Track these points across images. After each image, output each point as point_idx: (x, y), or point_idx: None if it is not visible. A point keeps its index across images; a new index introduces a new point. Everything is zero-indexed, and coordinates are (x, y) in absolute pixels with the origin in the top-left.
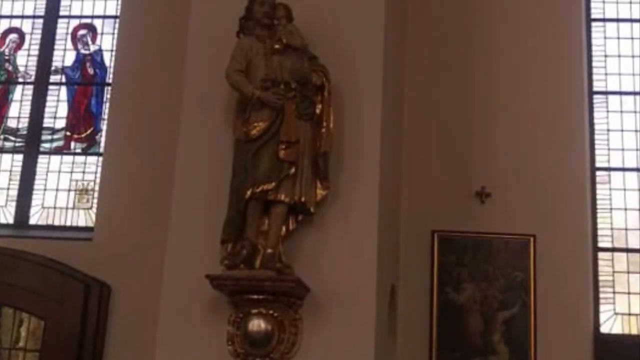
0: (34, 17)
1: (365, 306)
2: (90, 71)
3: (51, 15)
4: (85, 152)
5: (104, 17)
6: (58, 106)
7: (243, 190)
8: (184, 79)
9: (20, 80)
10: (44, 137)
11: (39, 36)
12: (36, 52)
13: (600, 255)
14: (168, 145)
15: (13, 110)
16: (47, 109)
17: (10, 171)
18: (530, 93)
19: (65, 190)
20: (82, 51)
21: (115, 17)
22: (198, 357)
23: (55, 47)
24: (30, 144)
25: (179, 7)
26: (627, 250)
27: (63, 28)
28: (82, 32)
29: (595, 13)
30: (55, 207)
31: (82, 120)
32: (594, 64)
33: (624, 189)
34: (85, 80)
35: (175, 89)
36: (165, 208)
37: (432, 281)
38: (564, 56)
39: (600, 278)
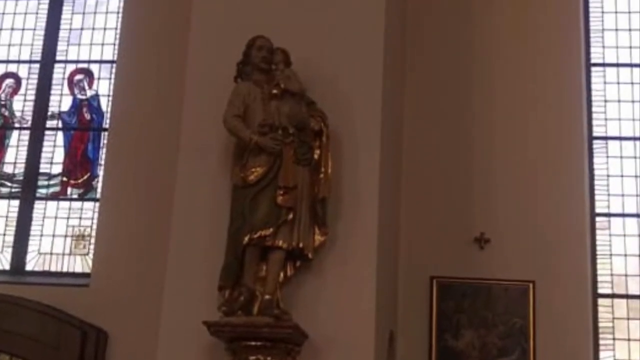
0: (31, 62)
1: (363, 353)
2: (87, 116)
3: (48, 60)
4: (81, 198)
5: (101, 62)
6: (54, 152)
7: (241, 236)
8: (182, 124)
9: (17, 125)
10: (40, 183)
11: (35, 81)
12: (32, 97)
13: (600, 301)
14: (165, 191)
15: (9, 155)
16: (43, 155)
17: (7, 217)
18: (529, 138)
19: (62, 236)
20: (79, 96)
21: (112, 62)
22: None
23: (52, 92)
24: (27, 190)
25: (176, 51)
26: (627, 296)
27: (60, 73)
28: (78, 77)
29: (594, 58)
30: (51, 253)
31: (79, 166)
32: (593, 109)
33: (624, 235)
34: (82, 126)
35: (173, 134)
36: (162, 254)
37: (431, 327)
38: (564, 101)
39: (600, 324)
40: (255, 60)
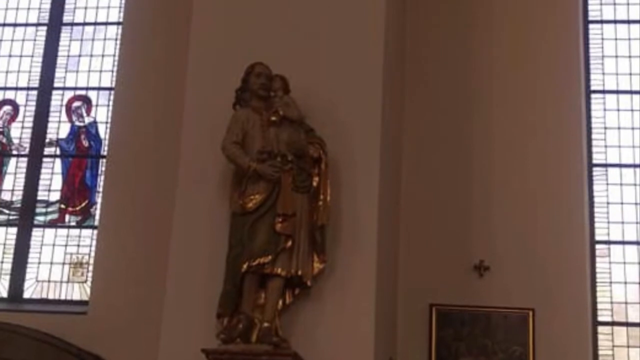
0: (28, 88)
1: None
2: (85, 143)
3: (45, 87)
4: (79, 225)
5: (99, 88)
6: (52, 179)
7: (239, 263)
8: (180, 151)
9: (15, 152)
10: (38, 210)
11: (33, 108)
12: (30, 124)
13: (600, 329)
14: (164, 218)
15: (7, 182)
16: (41, 182)
17: (4, 244)
18: (529, 165)
19: (60, 264)
20: (77, 123)
21: (110, 89)
22: None
23: (50, 119)
24: (25, 217)
25: (175, 78)
26: (627, 324)
27: (57, 100)
28: (76, 104)
29: (594, 85)
30: (49, 281)
31: (77, 193)
32: (593, 136)
33: (624, 263)
34: (80, 153)
35: (171, 161)
36: (160, 281)
37: (430, 355)
38: (564, 128)
39: (600, 352)
40: (253, 87)
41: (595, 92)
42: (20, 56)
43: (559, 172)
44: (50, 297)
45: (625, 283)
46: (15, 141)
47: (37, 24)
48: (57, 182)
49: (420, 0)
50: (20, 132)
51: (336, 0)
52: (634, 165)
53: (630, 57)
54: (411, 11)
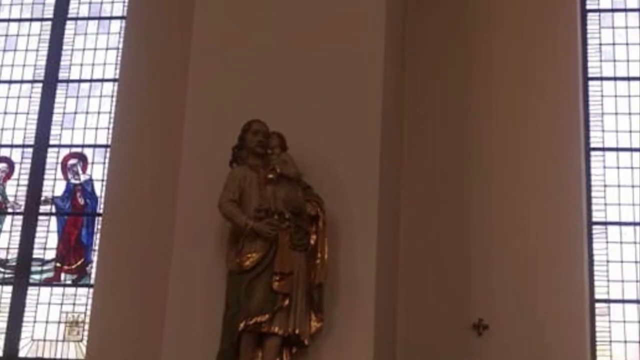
0: (24, 146)
1: None
2: (81, 201)
3: (41, 144)
4: (75, 284)
5: (95, 146)
6: (48, 237)
7: (236, 322)
8: (176, 209)
9: (10, 210)
10: (33, 269)
11: (28, 166)
12: (26, 182)
13: None
14: (160, 277)
15: (2, 241)
16: (36, 240)
17: (0, 303)
18: (528, 222)
19: (56, 322)
20: (73, 181)
21: (106, 146)
22: None
23: (45, 176)
24: (20, 275)
25: (171, 136)
26: None
27: (53, 157)
28: (72, 161)
29: (594, 142)
30: (45, 340)
31: (73, 251)
32: (593, 193)
33: (624, 321)
34: (76, 211)
35: (168, 219)
36: (157, 340)
37: None
38: (563, 186)
39: None
40: (251, 144)
41: (594, 149)
42: (16, 113)
43: (559, 230)
44: (46, 356)
45: (625, 342)
46: (11, 199)
47: (33, 81)
48: (53, 240)
49: (419, 56)
50: (16, 190)
51: (333, 58)
52: (634, 223)
53: (630, 114)
54: (410, 67)
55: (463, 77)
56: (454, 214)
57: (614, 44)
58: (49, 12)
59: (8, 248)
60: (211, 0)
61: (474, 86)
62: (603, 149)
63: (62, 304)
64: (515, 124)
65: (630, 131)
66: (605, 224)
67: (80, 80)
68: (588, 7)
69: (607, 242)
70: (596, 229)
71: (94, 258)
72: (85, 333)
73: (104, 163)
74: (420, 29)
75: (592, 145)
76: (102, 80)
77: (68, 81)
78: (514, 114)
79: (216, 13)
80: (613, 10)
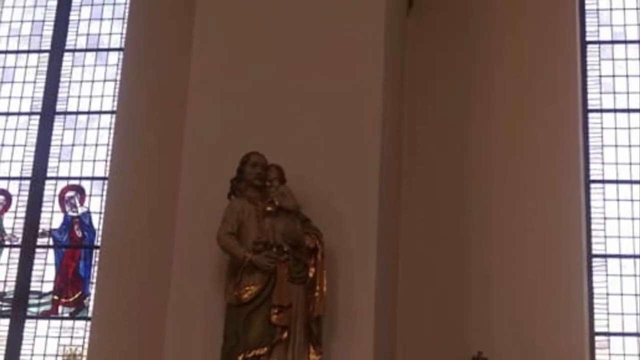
0: (21, 178)
1: None
2: (79, 234)
3: (38, 176)
4: (73, 317)
5: (93, 178)
6: (45, 269)
7: (234, 355)
8: (174, 241)
9: (7, 243)
10: (31, 301)
11: (26, 198)
12: (23, 215)
13: None
14: (158, 310)
15: None
16: (34, 273)
17: None
18: (527, 255)
19: (53, 356)
20: (70, 213)
21: (104, 178)
22: None
23: (43, 209)
24: (17, 308)
25: (169, 168)
26: None
27: (51, 190)
28: (70, 193)
29: (594, 174)
30: None
31: (70, 284)
32: (593, 226)
33: (624, 355)
34: (73, 243)
35: (166, 252)
36: None
37: None
38: (562, 218)
39: None
40: (249, 176)
41: (594, 181)
42: (13, 145)
43: (558, 262)
44: None
45: None
46: (8, 232)
47: (30, 113)
48: (50, 273)
49: (418, 87)
50: (13, 223)
51: (332, 89)
52: (634, 256)
53: (630, 146)
54: (409, 101)
55: (462, 108)
56: (453, 246)
57: (614, 75)
58: (47, 44)
59: (5, 281)
60: (209, 32)
61: (473, 118)
62: (603, 181)
63: (59, 337)
64: (515, 156)
65: (630, 163)
66: (605, 256)
67: (78, 113)
68: (588, 38)
69: (607, 274)
70: (596, 262)
71: (92, 291)
72: None
73: (102, 195)
74: (420, 60)
75: (592, 178)
76: (100, 113)
77: (66, 113)
78: (514, 146)
79: (214, 45)
80: (613, 42)
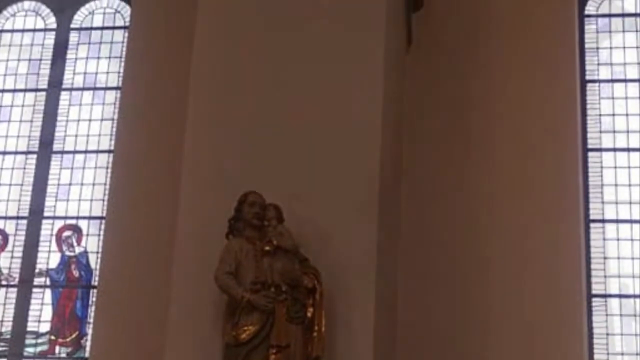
0: (18, 217)
1: None
2: (76, 273)
3: (35, 216)
4: (70, 357)
5: (90, 218)
6: (42, 309)
7: None
8: (172, 281)
9: (4, 282)
10: (27, 342)
11: (22, 237)
12: (20, 254)
13: None
14: (155, 350)
15: None
16: (31, 312)
17: None
18: (526, 295)
19: None
20: (67, 253)
21: (101, 218)
22: None
23: (40, 248)
24: (14, 348)
25: (166, 208)
26: None
27: (47, 229)
28: (67, 233)
29: (594, 214)
30: None
31: (67, 324)
32: (592, 266)
33: None
34: (70, 283)
35: (163, 292)
36: None
37: None
38: (562, 258)
39: None
40: (247, 216)
41: (594, 221)
42: (10, 185)
43: (557, 302)
44: None
45: None
46: (5, 271)
47: (27, 152)
48: (47, 313)
49: (417, 128)
50: (10, 262)
51: (331, 129)
52: (634, 296)
53: (630, 185)
54: (408, 139)
55: (461, 147)
56: (452, 286)
57: (613, 114)
58: (44, 83)
59: (2, 321)
60: (207, 71)
61: (472, 156)
62: (603, 221)
63: None
64: (515, 195)
65: (630, 202)
66: (605, 296)
67: (75, 152)
68: (587, 77)
69: (606, 314)
70: (596, 302)
71: (89, 331)
72: None
73: (99, 235)
74: (419, 98)
75: (591, 217)
76: (97, 152)
77: (63, 152)
78: (513, 185)
79: (212, 84)
80: (613, 81)
